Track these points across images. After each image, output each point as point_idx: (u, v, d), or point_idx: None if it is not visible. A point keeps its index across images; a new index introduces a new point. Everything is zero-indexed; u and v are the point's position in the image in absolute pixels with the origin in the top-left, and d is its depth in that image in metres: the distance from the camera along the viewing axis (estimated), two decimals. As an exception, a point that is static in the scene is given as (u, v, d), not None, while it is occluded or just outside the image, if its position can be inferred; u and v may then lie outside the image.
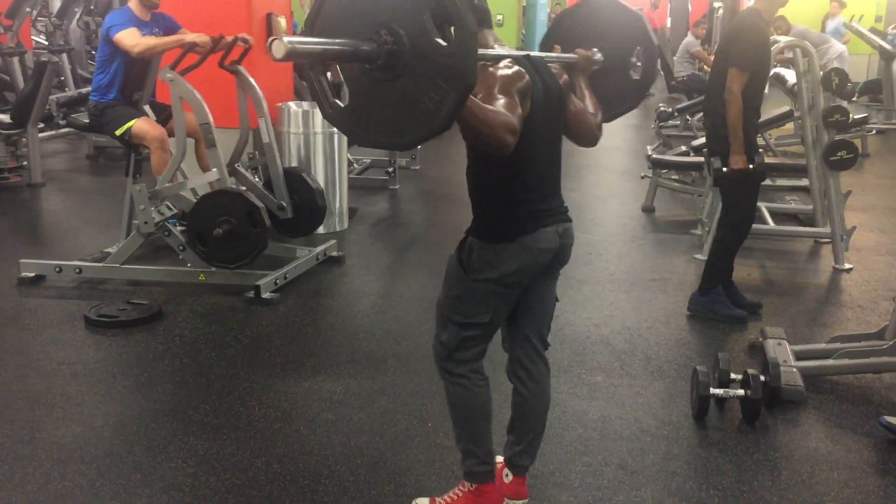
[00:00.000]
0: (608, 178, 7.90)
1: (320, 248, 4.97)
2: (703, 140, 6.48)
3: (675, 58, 11.27)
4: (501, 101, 2.07)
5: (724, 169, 4.00)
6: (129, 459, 2.87)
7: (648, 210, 6.45)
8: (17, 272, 4.62)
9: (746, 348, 3.89)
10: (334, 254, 5.06)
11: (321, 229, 5.61)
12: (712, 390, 3.19)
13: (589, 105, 2.55)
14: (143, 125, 4.78)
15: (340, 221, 5.78)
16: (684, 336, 4.04)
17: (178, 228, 4.65)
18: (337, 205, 5.71)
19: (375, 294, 4.63)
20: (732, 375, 3.33)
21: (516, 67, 2.18)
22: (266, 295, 4.34)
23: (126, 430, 3.07)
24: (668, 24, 19.48)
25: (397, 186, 7.07)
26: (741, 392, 3.19)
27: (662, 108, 8.65)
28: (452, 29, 1.87)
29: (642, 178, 6.81)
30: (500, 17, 15.56)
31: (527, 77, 2.19)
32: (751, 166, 3.98)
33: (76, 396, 3.33)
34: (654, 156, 6.69)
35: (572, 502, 2.68)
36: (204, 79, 4.64)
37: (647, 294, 4.62)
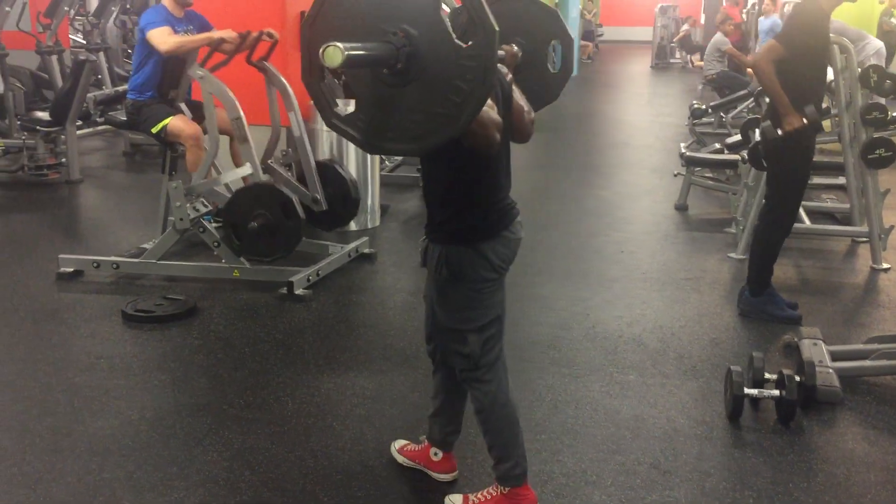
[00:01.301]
0: (640, 176, 7.84)
1: (352, 245, 5.00)
2: (737, 137, 6.42)
3: (704, 55, 11.15)
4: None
5: (779, 131, 3.89)
6: (165, 452, 2.92)
7: (681, 208, 6.40)
8: (55, 267, 4.70)
9: (781, 348, 3.85)
10: (366, 250, 5.09)
11: (353, 226, 5.65)
12: (746, 390, 3.16)
13: (524, 102, 2.58)
14: (178, 123, 4.85)
15: (372, 218, 5.81)
16: (718, 335, 4.01)
17: (213, 225, 4.70)
18: (369, 202, 5.73)
19: (407, 291, 4.65)
20: (767, 375, 3.30)
21: None
22: (299, 291, 4.37)
23: (162, 424, 3.12)
24: (703, 21, 19.31)
25: (429, 184, 7.07)
26: (776, 392, 3.16)
27: (696, 106, 8.58)
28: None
29: (675, 175, 6.76)
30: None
31: None
32: (805, 120, 3.87)
33: (114, 390, 3.38)
34: (688, 153, 6.63)
35: (605, 501, 2.67)
36: (235, 76, 4.69)
37: (679, 293, 4.58)
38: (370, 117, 1.94)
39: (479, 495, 2.60)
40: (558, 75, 2.97)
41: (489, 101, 2.08)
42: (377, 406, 3.27)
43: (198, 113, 5.01)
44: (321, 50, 1.73)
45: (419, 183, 7.04)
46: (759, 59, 3.90)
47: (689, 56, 18.54)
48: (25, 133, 7.07)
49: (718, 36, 10.91)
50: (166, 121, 4.86)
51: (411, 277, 4.89)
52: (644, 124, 10.59)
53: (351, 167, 5.61)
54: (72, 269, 4.69)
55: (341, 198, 4.83)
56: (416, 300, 4.50)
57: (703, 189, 6.68)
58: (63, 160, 7.16)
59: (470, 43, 1.80)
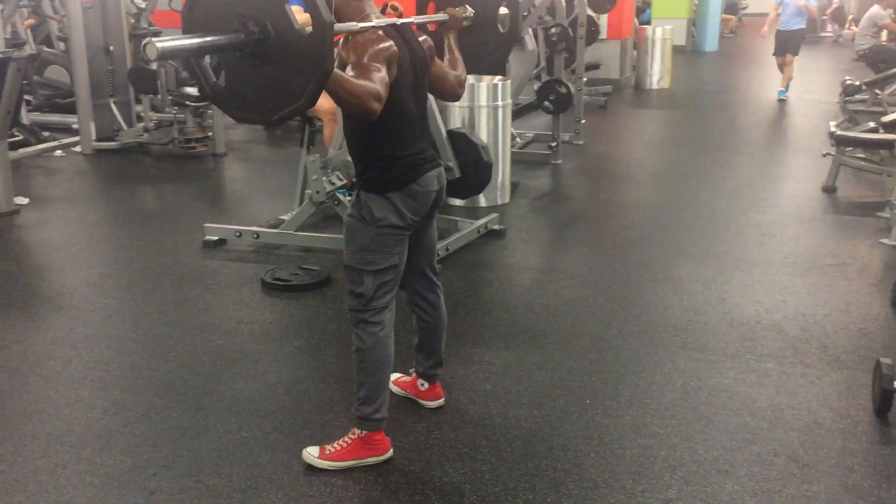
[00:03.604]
0: (784, 156, 7.46)
1: (482, 221, 5.01)
2: (895, 116, 5.99)
3: (857, 29, 10.45)
4: (369, 69, 2.36)
5: None
6: (299, 416, 3.03)
7: (829, 190, 6.05)
8: (201, 236, 4.96)
9: (938, 342, 3.59)
10: (495, 227, 5.09)
11: (483, 202, 5.66)
12: (897, 385, 2.97)
13: (453, 63, 2.90)
14: (316, 98, 4.97)
15: (502, 195, 5.80)
16: (866, 325, 3.77)
17: (347, 198, 4.82)
18: (499, 179, 5.72)
19: (535, 269, 4.62)
20: (921, 370, 3.08)
21: (384, 37, 2.47)
22: (428, 265, 4.42)
23: (297, 388, 3.24)
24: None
25: (560, 161, 6.99)
26: (931, 389, 2.94)
27: (849, 82, 8.05)
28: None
29: (823, 156, 6.39)
30: (671, -14, 15.00)
31: (393, 46, 2.48)
32: None
33: (253, 354, 3.54)
34: (839, 132, 6.24)
35: (738, 491, 2.58)
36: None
37: (824, 279, 4.34)
38: (235, 90, 2.30)
39: (335, 444, 2.72)
40: (504, 37, 3.23)
41: (380, 75, 2.36)
42: (503, 382, 3.28)
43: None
44: (143, 44, 2.04)
45: (549, 160, 6.98)
46: None
47: (841, 28, 17.42)
48: (176, 108, 7.47)
49: (875, 8, 10.20)
50: (305, 96, 4.99)
51: (540, 255, 4.85)
52: (790, 102, 10.06)
53: (482, 143, 5.61)
54: (216, 238, 4.92)
55: (474, 163, 4.74)
56: (545, 278, 4.47)
57: (853, 170, 6.28)
58: (210, 134, 7.53)
59: (310, 31, 2.10)
